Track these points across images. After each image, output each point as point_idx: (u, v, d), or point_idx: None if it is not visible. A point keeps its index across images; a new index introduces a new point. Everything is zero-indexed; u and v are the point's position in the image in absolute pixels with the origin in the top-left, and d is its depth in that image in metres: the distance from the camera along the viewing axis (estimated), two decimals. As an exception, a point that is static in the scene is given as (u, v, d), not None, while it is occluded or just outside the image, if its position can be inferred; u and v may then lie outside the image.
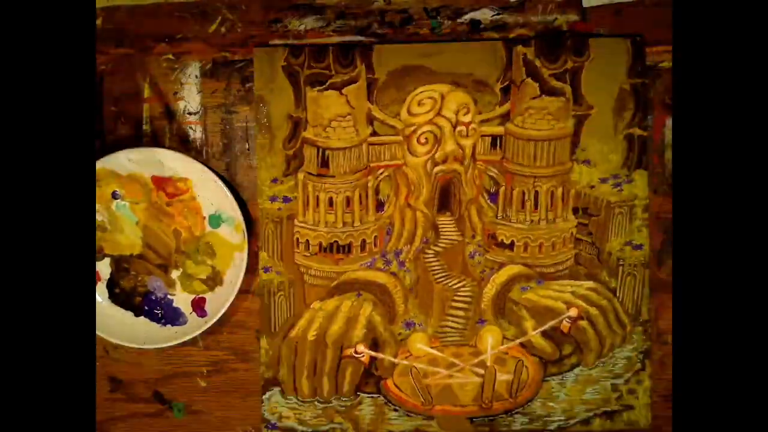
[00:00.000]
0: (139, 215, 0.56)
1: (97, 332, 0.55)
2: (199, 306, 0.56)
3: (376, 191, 0.55)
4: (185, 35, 0.55)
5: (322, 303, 0.55)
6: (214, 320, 0.54)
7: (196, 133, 0.56)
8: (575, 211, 0.55)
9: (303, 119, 0.55)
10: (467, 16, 0.55)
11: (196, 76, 0.55)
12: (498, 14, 0.54)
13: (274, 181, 0.55)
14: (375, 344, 0.56)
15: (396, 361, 0.56)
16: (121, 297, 0.57)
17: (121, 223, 0.56)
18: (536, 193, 0.55)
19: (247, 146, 0.56)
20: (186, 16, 0.55)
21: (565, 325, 0.55)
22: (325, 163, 0.55)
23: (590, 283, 0.55)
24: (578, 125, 0.54)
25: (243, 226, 0.54)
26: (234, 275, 0.54)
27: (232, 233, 0.55)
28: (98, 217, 0.56)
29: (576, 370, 0.55)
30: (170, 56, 0.55)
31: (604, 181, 0.54)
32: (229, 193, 0.53)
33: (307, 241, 0.55)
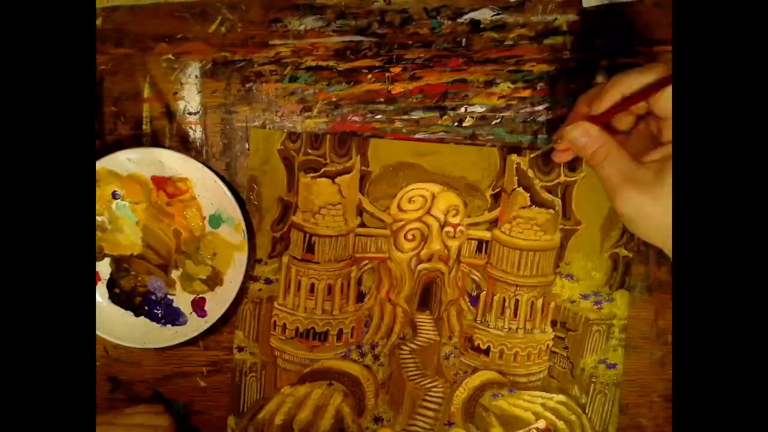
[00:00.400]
0: (139, 215, 0.56)
1: (97, 332, 0.55)
2: (199, 306, 0.56)
3: (359, 282, 0.56)
4: (185, 35, 0.56)
5: (293, 388, 0.56)
6: (214, 320, 0.54)
7: (196, 133, 0.56)
8: (553, 323, 0.55)
9: (293, 203, 0.55)
10: (467, 16, 0.55)
11: (196, 76, 0.56)
12: (498, 14, 0.54)
13: (258, 261, 0.55)
14: (341, 436, 0.56)
15: (360, 454, 0.55)
16: (121, 297, 0.57)
17: (121, 223, 0.56)
18: (517, 301, 0.55)
19: (246, 146, 0.56)
20: (186, 16, 0.55)
21: (532, 436, 0.55)
22: (310, 248, 0.55)
23: (561, 397, 0.55)
24: (565, 239, 0.55)
25: (243, 226, 0.54)
26: (234, 275, 0.55)
27: (232, 233, 0.55)
28: (98, 218, 0.56)
29: (543, 481, 0.55)
30: (170, 56, 0.56)
31: (585, 297, 0.55)
32: (229, 193, 0.53)
33: (285, 324, 0.56)
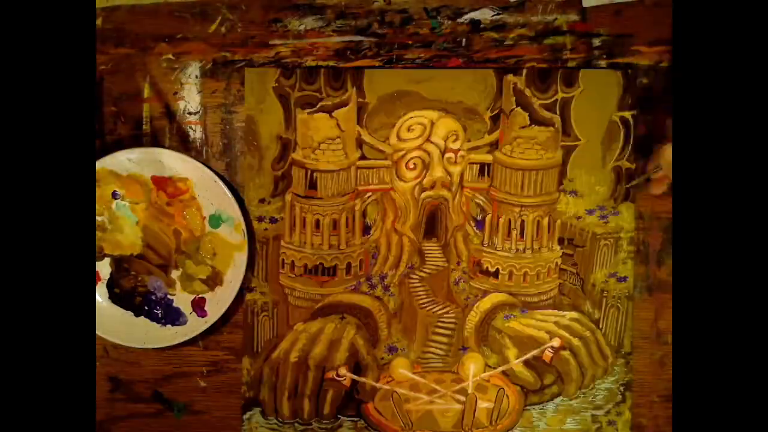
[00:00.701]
0: (139, 215, 0.56)
1: (97, 332, 0.55)
2: (199, 306, 0.56)
3: (363, 215, 0.56)
4: (185, 35, 0.56)
5: (306, 325, 0.56)
6: (214, 320, 0.55)
7: (196, 133, 0.56)
8: (561, 241, 0.55)
9: (292, 141, 0.55)
10: (467, 16, 0.55)
11: (196, 76, 0.56)
12: (498, 14, 0.55)
13: (262, 201, 0.55)
14: (357, 368, 0.56)
15: (377, 385, 0.56)
16: (121, 297, 0.57)
17: (121, 223, 0.56)
18: (522, 221, 0.55)
19: (247, 146, 0.56)
20: (186, 16, 0.55)
21: (548, 354, 0.55)
22: (313, 185, 0.55)
23: (574, 314, 0.55)
24: (566, 156, 0.54)
25: (243, 226, 0.54)
26: (234, 275, 0.55)
27: (232, 233, 0.55)
28: (98, 218, 0.56)
29: (557, 400, 0.56)
30: (170, 56, 0.56)
31: (590, 212, 0.55)
32: (229, 193, 0.54)
33: (293, 262, 0.56)
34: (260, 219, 0.55)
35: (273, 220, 0.55)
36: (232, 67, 0.55)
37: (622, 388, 0.55)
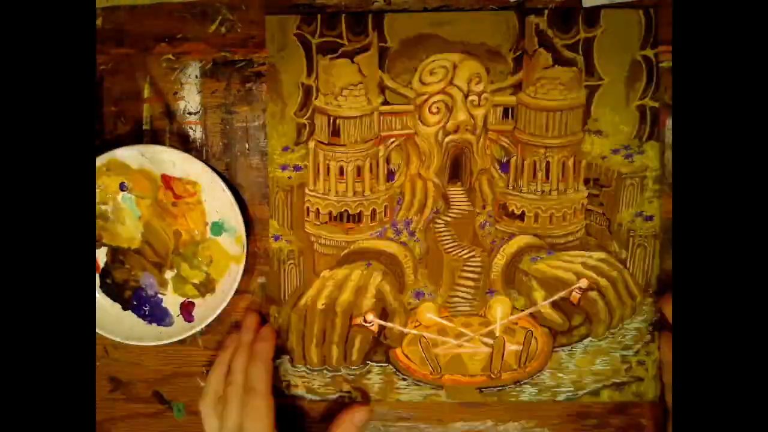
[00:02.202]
0: (143, 210, 0.57)
1: None
2: (187, 310, 0.57)
3: (387, 161, 0.56)
4: (185, 35, 0.56)
5: (332, 272, 0.56)
6: (199, 328, 0.55)
7: (196, 133, 0.57)
8: (586, 181, 0.55)
9: (314, 87, 0.55)
10: None
11: (196, 76, 0.56)
12: None
13: (285, 149, 0.56)
14: (384, 313, 0.56)
15: (405, 330, 0.56)
16: (112, 288, 0.57)
17: (123, 215, 0.57)
18: (547, 163, 0.55)
19: (246, 146, 0.57)
20: (186, 16, 0.56)
21: (575, 296, 0.55)
22: (336, 131, 0.55)
23: (601, 254, 0.56)
24: (590, 96, 0.55)
25: (244, 239, 0.55)
26: (227, 285, 0.55)
27: (232, 244, 0.56)
28: (102, 206, 0.56)
29: (585, 341, 0.56)
30: (170, 56, 0.56)
31: (615, 152, 0.55)
32: (235, 205, 0.54)
33: (318, 209, 0.56)
34: (284, 167, 0.56)
35: (297, 168, 0.56)
36: (232, 67, 0.56)
37: (650, 328, 0.56)
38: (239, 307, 0.57)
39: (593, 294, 0.55)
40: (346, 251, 0.56)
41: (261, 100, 0.56)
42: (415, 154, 0.56)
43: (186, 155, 0.55)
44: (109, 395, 0.59)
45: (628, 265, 0.56)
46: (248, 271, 0.56)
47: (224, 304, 0.55)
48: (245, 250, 0.55)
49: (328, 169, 0.56)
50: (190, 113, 0.57)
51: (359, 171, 0.56)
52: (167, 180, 0.56)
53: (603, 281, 0.55)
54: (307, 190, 0.56)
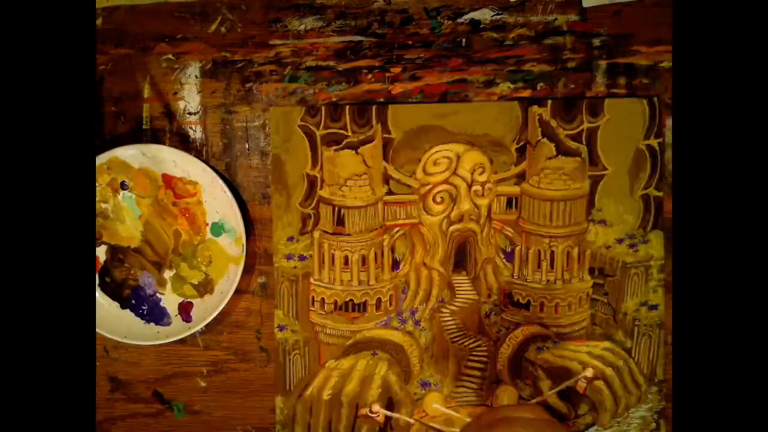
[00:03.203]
0: (143, 209, 0.57)
1: None
2: (185, 310, 0.57)
3: (392, 250, 0.56)
4: (185, 35, 0.57)
5: (338, 362, 0.56)
6: (198, 328, 0.56)
7: (196, 133, 0.57)
8: (591, 271, 0.56)
9: (319, 178, 0.55)
10: (467, 16, 0.56)
11: (196, 76, 0.57)
12: (498, 14, 0.56)
13: (290, 239, 0.56)
14: (390, 404, 0.57)
15: (411, 420, 0.56)
16: (110, 286, 0.58)
17: (123, 213, 0.57)
18: (552, 252, 0.56)
19: (246, 146, 0.57)
20: (186, 16, 0.57)
21: (581, 385, 0.56)
22: (340, 221, 0.56)
23: (606, 344, 0.56)
24: (594, 185, 0.55)
25: (243, 240, 0.55)
26: (225, 286, 0.56)
27: (231, 245, 0.56)
28: (103, 205, 0.57)
29: (591, 430, 0.56)
30: (170, 56, 0.57)
31: (620, 241, 0.55)
32: (235, 205, 0.55)
33: (323, 299, 0.56)
34: (289, 257, 0.56)
35: (302, 258, 0.56)
36: (232, 67, 0.57)
37: (656, 416, 0.56)
38: (238, 307, 0.58)
39: (599, 383, 0.56)
40: (351, 341, 0.57)
41: (261, 101, 0.57)
42: (420, 243, 0.56)
43: (187, 155, 0.55)
44: (109, 395, 0.59)
45: (633, 354, 0.56)
46: (248, 272, 0.56)
47: (223, 305, 0.55)
48: (244, 252, 0.55)
49: (333, 258, 0.56)
50: (190, 113, 0.57)
51: (364, 260, 0.56)
52: (168, 179, 0.56)
53: (608, 370, 0.56)
54: (312, 280, 0.56)
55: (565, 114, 0.55)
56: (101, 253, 0.57)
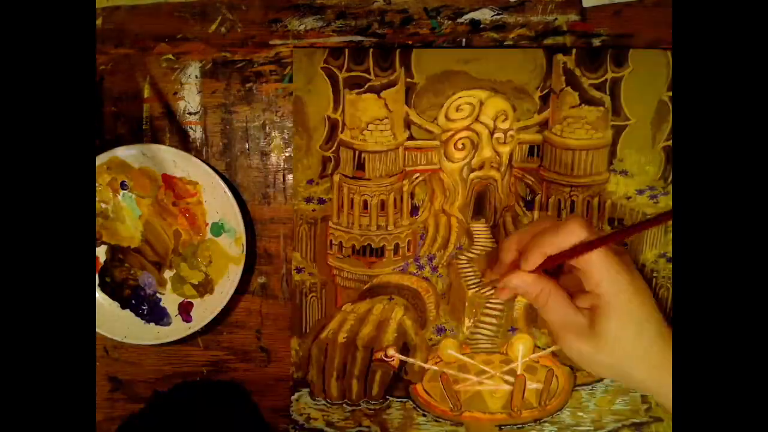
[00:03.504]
0: (144, 209, 0.57)
1: None
2: (185, 310, 0.57)
3: (411, 195, 0.56)
4: (185, 35, 0.57)
5: (354, 306, 0.57)
6: (197, 328, 0.56)
7: (196, 133, 0.57)
8: (611, 221, 0.56)
9: (340, 121, 0.55)
10: (467, 16, 0.56)
11: (196, 76, 0.57)
12: (498, 14, 0.56)
13: (310, 182, 0.56)
14: (405, 348, 0.57)
15: (426, 366, 0.56)
16: (110, 286, 0.58)
17: (123, 213, 0.57)
18: (572, 202, 0.56)
19: (246, 146, 0.57)
20: (186, 16, 0.57)
21: (597, 335, 0.55)
22: (360, 165, 0.56)
23: (623, 295, 0.56)
24: (616, 136, 0.55)
25: (243, 240, 0.55)
26: (226, 286, 0.56)
27: (231, 245, 0.56)
28: (102, 205, 0.57)
29: (606, 381, 0.56)
30: (170, 56, 0.57)
31: (640, 192, 0.55)
32: (236, 206, 0.55)
33: (341, 243, 0.56)
34: (308, 200, 0.56)
35: (321, 201, 0.56)
36: (232, 67, 0.57)
37: (671, 369, 0.56)
38: (238, 307, 0.58)
39: (615, 334, 0.56)
40: (368, 285, 0.57)
41: (261, 100, 0.57)
42: (440, 189, 0.56)
43: (187, 155, 0.55)
44: (109, 395, 0.59)
45: (650, 305, 0.56)
46: (247, 272, 0.57)
47: (223, 305, 0.55)
48: (244, 252, 0.55)
49: (352, 202, 0.56)
50: (190, 113, 0.57)
51: (383, 205, 0.56)
52: (168, 179, 0.56)
53: (625, 321, 0.56)
54: (330, 223, 0.56)
55: (589, 63, 0.55)
56: (101, 253, 0.58)
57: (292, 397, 0.57)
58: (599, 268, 0.43)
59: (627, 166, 0.55)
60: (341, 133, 0.56)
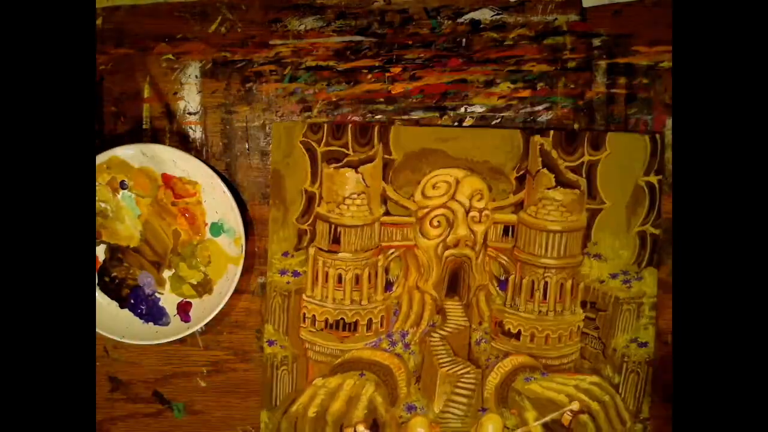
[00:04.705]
0: (143, 209, 0.57)
1: None
2: (184, 310, 0.58)
3: (386, 271, 0.57)
4: (185, 35, 0.57)
5: (325, 380, 0.57)
6: (196, 327, 0.56)
7: (196, 133, 0.58)
8: (583, 304, 0.56)
9: (317, 195, 0.56)
10: (467, 16, 0.57)
11: (196, 76, 0.57)
12: (498, 14, 0.56)
13: (285, 254, 0.56)
14: (375, 425, 0.57)
15: (395, 443, 0.56)
16: (109, 286, 0.58)
17: (123, 213, 0.58)
18: (546, 283, 0.56)
19: (246, 146, 0.58)
20: (186, 16, 0.57)
21: (567, 418, 0.56)
22: (336, 239, 0.56)
23: (594, 378, 0.56)
24: (591, 219, 0.56)
25: (243, 240, 0.56)
26: (224, 286, 0.56)
27: (230, 245, 0.57)
28: (102, 204, 0.57)
29: (575, 462, 0.56)
30: (170, 56, 0.57)
31: (614, 276, 0.56)
32: (235, 206, 0.55)
33: (314, 316, 0.57)
34: (283, 272, 0.56)
35: (296, 274, 0.56)
36: (232, 67, 0.57)
37: (640, 454, 0.56)
38: (238, 307, 0.58)
39: (584, 417, 0.56)
40: (340, 360, 0.57)
41: (261, 101, 0.57)
42: (414, 266, 0.57)
43: (186, 155, 0.56)
44: (109, 395, 0.59)
45: (620, 390, 0.56)
46: (247, 271, 0.57)
47: (222, 305, 0.55)
48: (243, 252, 0.55)
49: (327, 276, 0.57)
50: (190, 113, 0.58)
51: (358, 279, 0.57)
52: (167, 179, 0.57)
53: (594, 405, 0.56)
54: (304, 296, 0.57)
55: (566, 145, 0.55)
56: (100, 252, 0.58)
57: (260, 471, 0.57)
58: None
59: (601, 249, 0.56)
60: (318, 206, 0.56)
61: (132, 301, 0.58)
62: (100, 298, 0.58)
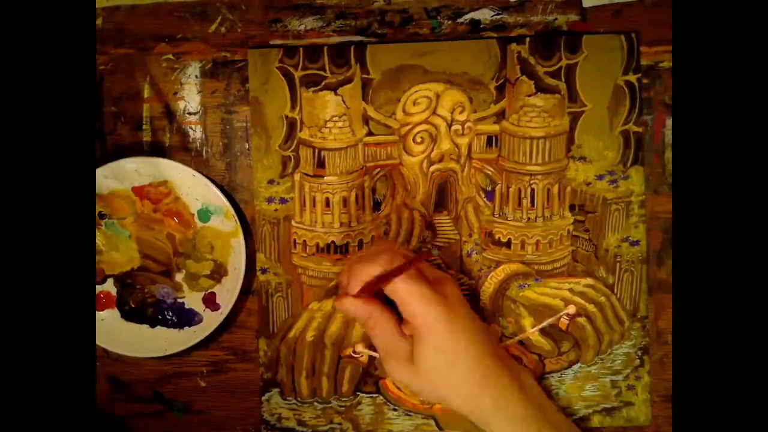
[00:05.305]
0: (130, 229, 0.58)
1: (120, 351, 0.57)
2: (210, 301, 0.58)
3: (373, 191, 0.57)
4: (185, 35, 0.58)
5: (320, 303, 0.57)
6: (228, 310, 0.56)
7: (196, 133, 0.58)
8: (572, 208, 0.56)
9: (298, 120, 0.56)
10: (467, 16, 0.57)
11: (196, 76, 0.58)
12: (498, 14, 0.56)
13: (271, 182, 0.57)
14: (372, 346, 0.57)
15: (395, 360, 0.57)
16: (133, 313, 0.59)
17: (114, 241, 0.58)
18: (532, 190, 0.56)
19: (247, 146, 0.58)
20: (186, 16, 0.57)
21: (563, 322, 0.56)
22: (321, 163, 0.56)
23: (588, 280, 0.57)
24: (573, 122, 0.56)
25: (232, 211, 0.56)
26: (237, 262, 0.57)
27: (223, 222, 0.57)
28: None
29: (575, 367, 0.57)
30: (170, 56, 0.58)
31: (600, 177, 0.56)
32: (210, 183, 0.56)
33: (305, 241, 0.57)
34: (270, 200, 0.57)
35: (283, 201, 0.57)
36: (232, 67, 0.57)
37: (639, 352, 0.57)
38: (242, 307, 0.58)
39: (581, 320, 0.57)
40: (333, 282, 0.57)
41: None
42: (401, 184, 0.57)
43: (144, 158, 0.56)
44: (109, 395, 0.60)
45: (615, 290, 0.57)
46: (248, 272, 0.57)
47: (242, 278, 0.56)
48: (237, 221, 0.56)
49: (314, 201, 0.57)
50: (190, 113, 0.58)
51: (345, 202, 0.57)
52: (139, 191, 0.57)
53: (591, 307, 0.57)
54: (293, 222, 0.57)
55: (543, 51, 0.55)
56: (110, 286, 0.58)
57: (263, 398, 0.57)
58: (408, 299, 0.46)
59: (585, 152, 0.56)
60: (300, 131, 0.56)
61: (160, 317, 0.58)
62: (130, 326, 0.58)
